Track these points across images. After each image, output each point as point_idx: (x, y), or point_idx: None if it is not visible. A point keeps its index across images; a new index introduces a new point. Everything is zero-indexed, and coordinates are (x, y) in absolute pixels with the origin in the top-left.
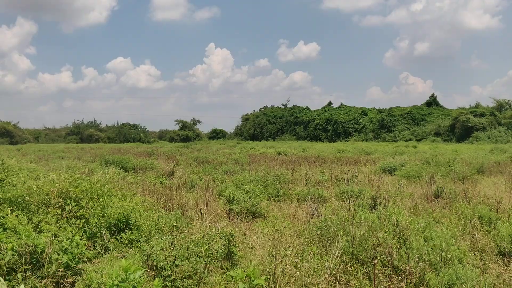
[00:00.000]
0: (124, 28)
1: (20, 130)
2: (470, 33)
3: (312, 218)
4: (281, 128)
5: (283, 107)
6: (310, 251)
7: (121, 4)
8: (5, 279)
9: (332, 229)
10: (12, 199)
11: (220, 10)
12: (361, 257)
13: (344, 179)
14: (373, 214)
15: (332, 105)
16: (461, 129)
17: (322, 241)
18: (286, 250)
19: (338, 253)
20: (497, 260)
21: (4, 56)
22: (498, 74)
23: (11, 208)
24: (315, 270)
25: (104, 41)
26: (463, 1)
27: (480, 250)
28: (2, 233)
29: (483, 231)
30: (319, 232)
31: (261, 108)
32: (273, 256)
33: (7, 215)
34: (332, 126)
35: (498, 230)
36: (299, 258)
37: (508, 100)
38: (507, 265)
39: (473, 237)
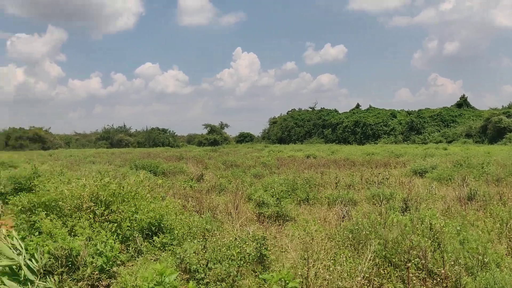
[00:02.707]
0: (152, 33)
1: (52, 135)
2: (500, 31)
3: (343, 221)
4: (309, 131)
5: (311, 110)
6: (342, 254)
7: (148, 10)
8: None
9: (364, 232)
10: (46, 203)
11: (247, 15)
12: (394, 260)
13: (375, 182)
14: (405, 217)
15: (360, 107)
16: (493, 130)
17: (354, 244)
18: (318, 253)
19: (371, 256)
20: None
21: (36, 63)
22: None
23: (46, 212)
24: (348, 273)
25: (133, 47)
26: (494, 0)
27: None
28: (38, 236)
29: None
30: (350, 235)
31: (288, 111)
32: (305, 259)
33: (42, 219)
34: (360, 128)
35: None
36: (332, 261)
37: None
38: None
39: (510, 240)
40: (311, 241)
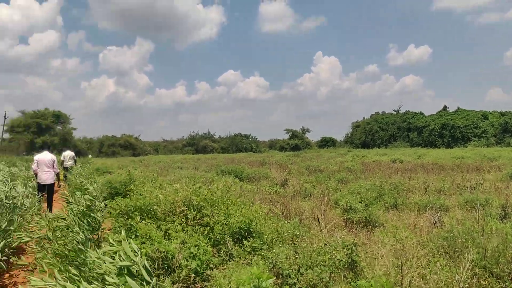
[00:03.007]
0: (233, 41)
1: (141, 142)
2: None
3: (435, 228)
4: (393, 134)
5: (395, 113)
6: (437, 262)
7: (230, 19)
8: (139, 284)
9: (460, 240)
10: (142, 207)
11: (327, 18)
12: (495, 271)
13: (467, 187)
14: (505, 225)
15: (447, 109)
16: None
17: (449, 253)
18: (411, 261)
19: (469, 265)
20: None
21: (126, 74)
22: None
23: (141, 216)
24: (445, 282)
25: (215, 56)
26: None
27: None
28: (135, 239)
29: None
30: (445, 243)
31: (372, 115)
32: (398, 266)
33: (138, 222)
34: (448, 131)
35: None
36: (427, 269)
37: None
38: None
39: None
40: (402, 248)
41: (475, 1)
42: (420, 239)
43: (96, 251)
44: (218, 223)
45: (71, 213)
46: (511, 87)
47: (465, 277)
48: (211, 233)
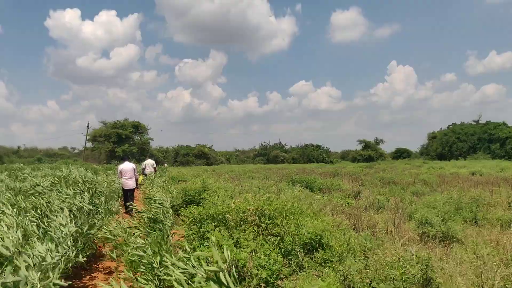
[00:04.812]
0: (305, 52)
1: (214, 152)
2: None
3: None
4: (473, 146)
5: (475, 123)
6: None
7: (302, 29)
8: None
9: None
10: (214, 216)
11: (401, 26)
12: None
13: None
14: None
15: None
16: None
17: None
18: (492, 280)
19: None
20: None
21: (200, 86)
22: None
23: (215, 224)
24: None
25: (287, 66)
26: None
27: None
28: (208, 247)
29: None
30: None
31: (449, 125)
32: (478, 285)
33: (211, 230)
34: None
35: None
36: None
37: None
38: None
39: None
40: (483, 265)
41: None
42: (503, 257)
43: (172, 256)
44: (288, 234)
45: (142, 221)
46: None
47: None
48: (281, 243)
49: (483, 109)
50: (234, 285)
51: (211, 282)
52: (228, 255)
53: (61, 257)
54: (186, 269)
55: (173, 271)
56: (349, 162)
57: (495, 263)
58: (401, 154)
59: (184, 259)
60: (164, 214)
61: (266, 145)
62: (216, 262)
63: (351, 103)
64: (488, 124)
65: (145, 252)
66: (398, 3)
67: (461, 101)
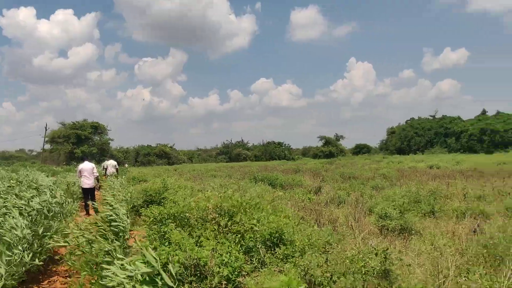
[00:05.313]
0: (265, 50)
1: (176, 151)
2: None
3: (474, 235)
4: (430, 140)
5: (431, 118)
6: (477, 271)
7: (262, 28)
8: None
9: (501, 248)
10: (175, 215)
11: (359, 24)
12: None
13: (509, 194)
14: None
15: (487, 113)
16: None
17: (489, 261)
18: (448, 269)
19: (510, 274)
20: None
21: (160, 84)
22: None
23: (175, 224)
24: None
25: (248, 64)
26: None
27: None
28: (169, 246)
29: None
30: (484, 250)
31: (407, 121)
32: (435, 275)
33: (171, 230)
34: (488, 136)
35: None
36: (464, 278)
37: None
38: None
39: None
40: (440, 256)
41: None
42: (458, 247)
43: (123, 259)
44: (249, 230)
45: (98, 223)
46: None
47: (506, 286)
48: (242, 241)
49: (439, 105)
50: (174, 284)
51: (144, 285)
52: (154, 255)
53: (15, 260)
54: (129, 271)
55: (115, 275)
56: (310, 159)
57: (451, 253)
58: (361, 149)
59: (134, 260)
60: (118, 215)
61: (228, 143)
62: (151, 264)
63: (312, 100)
64: (444, 119)
65: (97, 255)
66: (356, 1)
67: (418, 97)
